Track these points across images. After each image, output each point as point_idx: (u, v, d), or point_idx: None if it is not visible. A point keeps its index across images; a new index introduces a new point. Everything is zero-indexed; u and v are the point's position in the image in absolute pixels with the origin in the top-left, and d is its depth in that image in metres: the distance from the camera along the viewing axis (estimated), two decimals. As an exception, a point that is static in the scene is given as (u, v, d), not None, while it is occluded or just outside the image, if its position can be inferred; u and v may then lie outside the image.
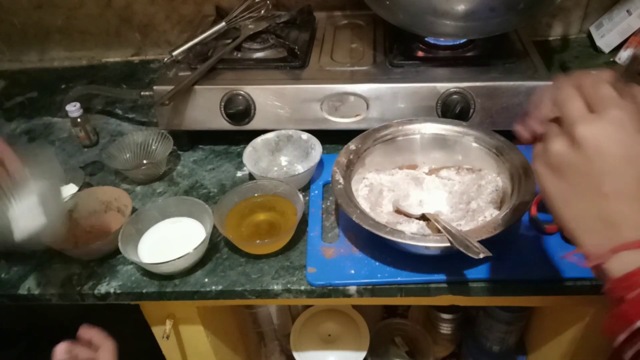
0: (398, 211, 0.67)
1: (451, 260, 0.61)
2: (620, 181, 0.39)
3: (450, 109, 0.74)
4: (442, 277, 0.61)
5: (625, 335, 0.37)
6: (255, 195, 0.71)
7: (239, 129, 0.80)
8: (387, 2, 0.76)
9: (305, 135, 0.78)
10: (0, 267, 0.69)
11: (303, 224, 0.69)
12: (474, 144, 0.70)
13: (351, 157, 0.68)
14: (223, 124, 0.80)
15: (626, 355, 0.38)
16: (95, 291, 0.64)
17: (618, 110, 0.39)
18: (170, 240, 0.67)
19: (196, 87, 0.78)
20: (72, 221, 0.71)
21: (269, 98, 0.78)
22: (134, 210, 0.71)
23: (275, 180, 0.71)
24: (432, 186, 0.70)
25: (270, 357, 1.20)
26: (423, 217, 0.65)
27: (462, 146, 0.71)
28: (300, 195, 0.67)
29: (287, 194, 0.70)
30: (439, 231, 0.60)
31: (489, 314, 0.95)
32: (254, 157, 0.77)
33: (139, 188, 0.79)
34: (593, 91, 0.41)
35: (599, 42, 0.98)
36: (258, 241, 0.66)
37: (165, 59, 0.84)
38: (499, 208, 0.63)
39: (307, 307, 1.09)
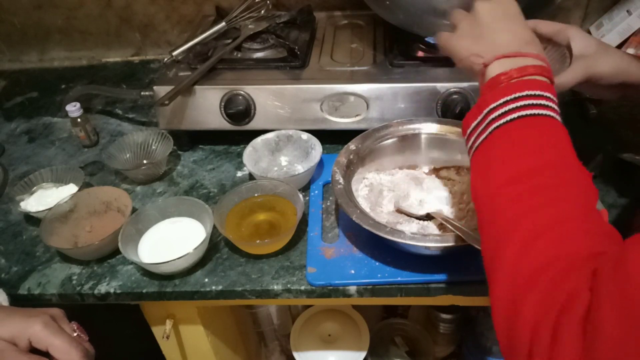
0: (399, 211, 0.67)
1: (451, 260, 0.61)
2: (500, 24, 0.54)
3: (450, 109, 0.74)
4: (442, 277, 0.61)
5: (476, 122, 0.49)
6: (255, 195, 0.71)
7: (239, 129, 0.80)
8: (387, 2, 0.75)
9: (305, 135, 0.78)
10: (0, 267, 0.69)
11: (303, 224, 0.69)
12: (474, 144, 0.69)
13: (351, 157, 0.68)
14: (223, 124, 0.80)
15: (472, 140, 0.51)
16: (95, 291, 0.64)
17: None
18: (170, 240, 0.67)
19: (196, 87, 0.78)
20: (72, 221, 0.71)
21: (269, 98, 0.78)
22: (134, 210, 0.71)
23: (275, 180, 0.71)
24: (432, 186, 0.70)
25: (270, 357, 1.20)
26: (427, 217, 0.65)
27: (462, 146, 0.70)
28: (300, 195, 0.67)
29: (287, 194, 0.70)
30: (445, 230, 0.60)
31: (489, 314, 0.94)
32: (254, 157, 0.77)
33: (139, 188, 0.79)
34: None
35: (599, 42, 0.97)
36: (258, 241, 0.66)
37: (165, 59, 0.84)
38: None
39: (307, 307, 1.09)
